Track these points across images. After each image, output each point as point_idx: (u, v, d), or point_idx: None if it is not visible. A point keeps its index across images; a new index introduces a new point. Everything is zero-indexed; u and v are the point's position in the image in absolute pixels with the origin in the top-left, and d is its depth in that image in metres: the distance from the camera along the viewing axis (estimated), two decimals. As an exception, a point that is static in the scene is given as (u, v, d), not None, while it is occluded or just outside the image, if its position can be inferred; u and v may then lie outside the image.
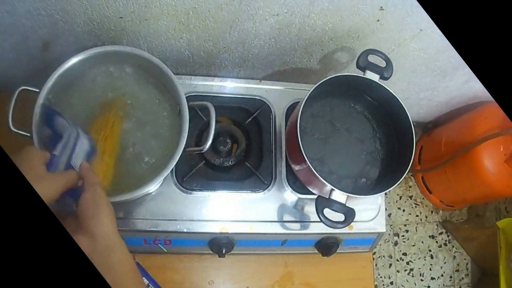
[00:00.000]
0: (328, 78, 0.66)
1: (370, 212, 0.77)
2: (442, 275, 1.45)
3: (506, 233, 1.22)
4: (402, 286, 1.41)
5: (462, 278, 1.47)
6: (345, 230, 0.65)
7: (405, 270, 1.42)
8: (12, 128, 0.59)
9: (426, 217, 1.47)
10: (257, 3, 0.67)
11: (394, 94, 0.69)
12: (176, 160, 0.61)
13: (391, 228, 1.43)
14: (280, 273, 0.82)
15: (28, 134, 0.59)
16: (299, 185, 0.74)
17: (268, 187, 0.74)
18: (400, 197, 1.46)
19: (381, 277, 1.39)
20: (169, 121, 0.69)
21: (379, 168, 0.73)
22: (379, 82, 0.69)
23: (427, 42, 0.84)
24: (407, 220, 1.45)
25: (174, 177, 0.71)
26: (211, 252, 0.75)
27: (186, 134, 0.63)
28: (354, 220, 0.62)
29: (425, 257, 1.44)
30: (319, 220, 0.61)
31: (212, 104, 0.66)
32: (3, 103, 0.60)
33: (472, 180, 1.21)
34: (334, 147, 0.72)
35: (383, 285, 1.40)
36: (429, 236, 1.46)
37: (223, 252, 0.72)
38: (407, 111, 0.68)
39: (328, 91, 0.72)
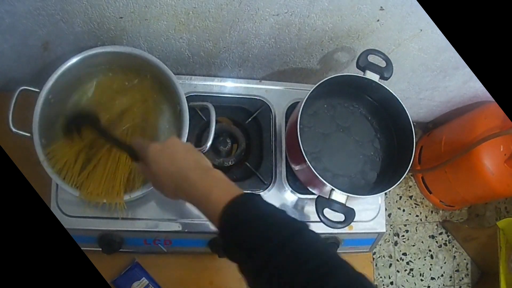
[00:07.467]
0: (328, 78, 0.66)
1: (370, 212, 0.77)
2: (442, 275, 1.45)
3: (506, 233, 1.22)
4: (402, 286, 1.41)
5: (462, 278, 1.47)
6: (345, 230, 0.65)
7: (405, 270, 1.42)
8: (12, 128, 0.59)
9: (426, 217, 1.46)
10: (257, 3, 0.67)
11: (394, 94, 0.69)
12: (176, 160, 0.61)
13: (391, 228, 1.43)
14: (280, 273, 0.82)
15: (28, 134, 0.59)
16: (299, 185, 0.74)
17: (268, 187, 0.74)
18: (400, 197, 1.46)
19: (381, 277, 1.39)
20: (169, 121, 0.70)
21: (379, 168, 0.73)
22: (379, 82, 0.69)
23: (427, 42, 0.84)
24: (407, 220, 1.45)
25: (174, 177, 0.71)
26: (211, 252, 0.75)
27: (186, 134, 0.63)
28: (354, 220, 0.62)
29: (425, 257, 1.44)
30: (319, 220, 0.61)
31: (212, 104, 0.66)
32: (3, 103, 0.60)
33: (472, 180, 1.21)
34: (332, 145, 0.72)
35: (383, 285, 1.39)
36: (429, 236, 1.46)
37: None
38: (407, 111, 0.68)
39: (328, 91, 0.72)
